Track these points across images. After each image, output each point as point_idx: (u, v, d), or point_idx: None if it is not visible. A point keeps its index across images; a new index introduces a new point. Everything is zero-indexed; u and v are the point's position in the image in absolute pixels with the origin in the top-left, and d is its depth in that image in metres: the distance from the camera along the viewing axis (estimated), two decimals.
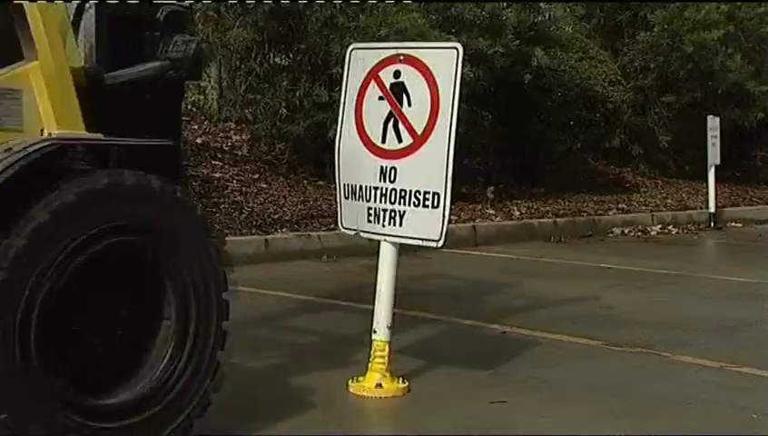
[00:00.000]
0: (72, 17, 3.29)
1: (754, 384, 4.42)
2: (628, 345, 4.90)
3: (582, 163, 12.43)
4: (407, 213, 4.09)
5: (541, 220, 10.14)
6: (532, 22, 10.88)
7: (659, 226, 10.92)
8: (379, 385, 3.97)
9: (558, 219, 10.27)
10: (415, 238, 4.10)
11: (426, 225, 4.06)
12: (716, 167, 11.71)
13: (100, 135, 3.04)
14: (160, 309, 3.10)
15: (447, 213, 4.01)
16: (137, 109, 3.28)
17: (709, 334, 5.33)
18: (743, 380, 4.45)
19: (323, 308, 5.80)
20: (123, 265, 3.01)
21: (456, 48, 4.08)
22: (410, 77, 4.14)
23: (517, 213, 10.24)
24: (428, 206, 4.05)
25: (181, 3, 3.50)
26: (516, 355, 4.72)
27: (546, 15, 11.47)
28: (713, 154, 11.61)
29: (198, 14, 10.02)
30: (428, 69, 4.10)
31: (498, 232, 9.44)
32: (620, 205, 11.54)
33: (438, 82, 4.06)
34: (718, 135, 11.65)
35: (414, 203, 4.08)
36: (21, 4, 2.89)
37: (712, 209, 11.54)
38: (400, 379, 4.02)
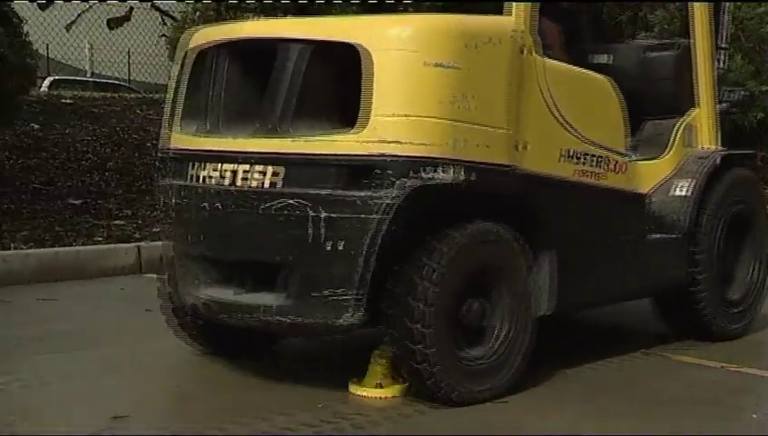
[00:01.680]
0: None
1: (754, 384, 4.42)
2: (628, 345, 4.89)
3: None
4: None
5: None
6: None
7: None
8: (379, 385, 3.97)
9: None
10: None
11: None
12: None
13: (732, 149, 5.32)
14: (746, 242, 5.32)
15: None
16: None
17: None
18: (743, 380, 4.46)
19: None
20: (737, 224, 5.16)
21: None
22: None
23: None
24: None
25: (723, 67, 5.31)
26: None
27: None
28: None
29: (197, 13, 10.05)
30: None
31: None
32: None
33: None
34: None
35: None
36: (691, 73, 5.20)
37: None
38: (400, 379, 4.02)
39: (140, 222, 7.93)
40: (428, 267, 3.71)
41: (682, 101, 5.12)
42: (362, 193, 3.63)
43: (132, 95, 14.33)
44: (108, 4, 10.28)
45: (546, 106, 4.07)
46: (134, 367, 4.44)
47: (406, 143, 3.64)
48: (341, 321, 3.72)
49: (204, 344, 4.55)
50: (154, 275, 4.85)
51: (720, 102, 5.25)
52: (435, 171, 3.67)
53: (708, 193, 4.91)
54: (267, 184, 3.76)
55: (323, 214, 3.65)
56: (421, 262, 3.72)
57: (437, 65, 3.68)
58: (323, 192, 3.66)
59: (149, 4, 10.28)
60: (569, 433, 3.64)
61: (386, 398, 3.93)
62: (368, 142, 3.64)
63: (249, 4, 9.34)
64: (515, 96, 3.93)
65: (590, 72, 4.49)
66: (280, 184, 3.74)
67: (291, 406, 3.79)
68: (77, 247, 7.03)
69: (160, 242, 7.07)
